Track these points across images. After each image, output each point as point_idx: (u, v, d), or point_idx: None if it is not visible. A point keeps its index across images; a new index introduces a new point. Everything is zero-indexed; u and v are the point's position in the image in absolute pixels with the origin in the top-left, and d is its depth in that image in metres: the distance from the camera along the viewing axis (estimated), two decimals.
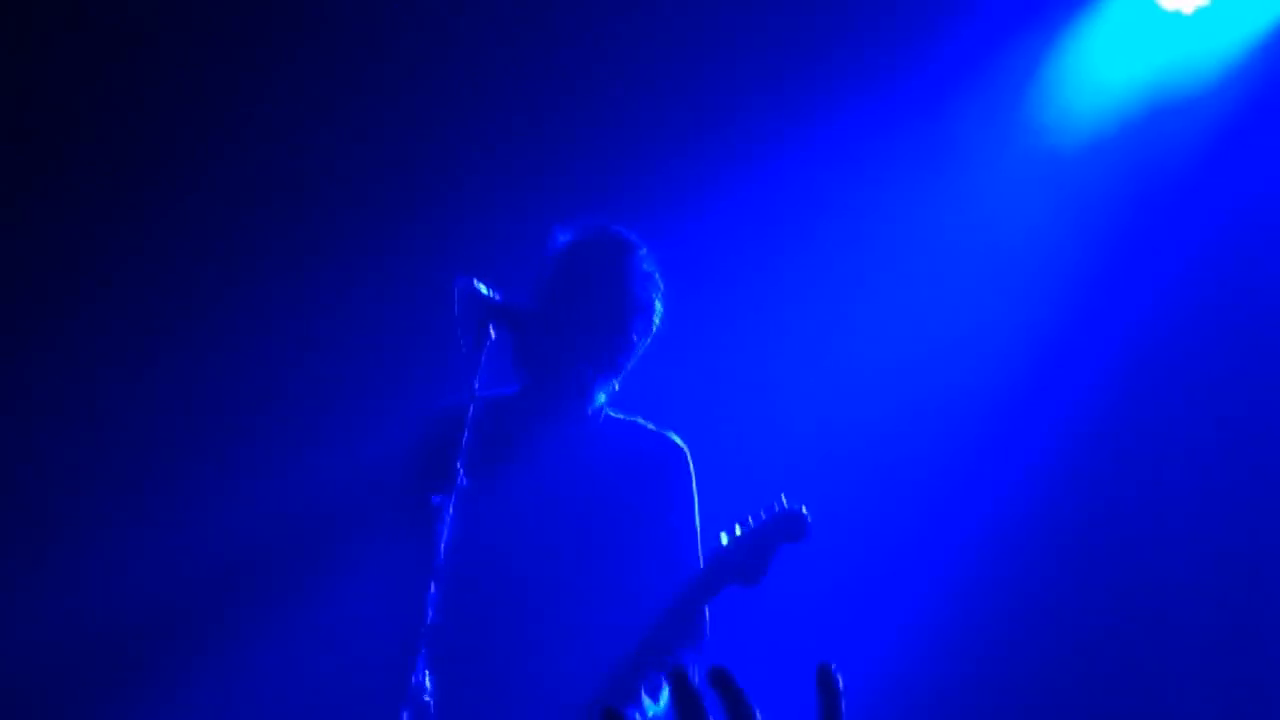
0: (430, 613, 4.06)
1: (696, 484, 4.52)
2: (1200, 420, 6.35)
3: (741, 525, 4.20)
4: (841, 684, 1.95)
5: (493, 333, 4.18)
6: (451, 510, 4.08)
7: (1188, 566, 6.35)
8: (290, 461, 6.08)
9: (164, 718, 5.95)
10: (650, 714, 4.30)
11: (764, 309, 6.26)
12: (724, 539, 4.21)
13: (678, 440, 4.53)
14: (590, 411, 4.46)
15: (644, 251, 4.46)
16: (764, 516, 4.19)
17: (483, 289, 4.19)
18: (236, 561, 6.00)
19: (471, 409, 4.12)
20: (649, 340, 4.48)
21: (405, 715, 4.06)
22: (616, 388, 4.49)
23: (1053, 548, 6.27)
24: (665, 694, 4.35)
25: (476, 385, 4.14)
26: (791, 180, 6.22)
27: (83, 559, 6.06)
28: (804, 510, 4.19)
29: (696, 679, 1.93)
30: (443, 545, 4.06)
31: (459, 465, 4.10)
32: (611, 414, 4.52)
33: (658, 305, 4.46)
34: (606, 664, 4.22)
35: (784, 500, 4.21)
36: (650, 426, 4.55)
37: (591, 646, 4.29)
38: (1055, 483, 6.30)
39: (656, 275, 4.47)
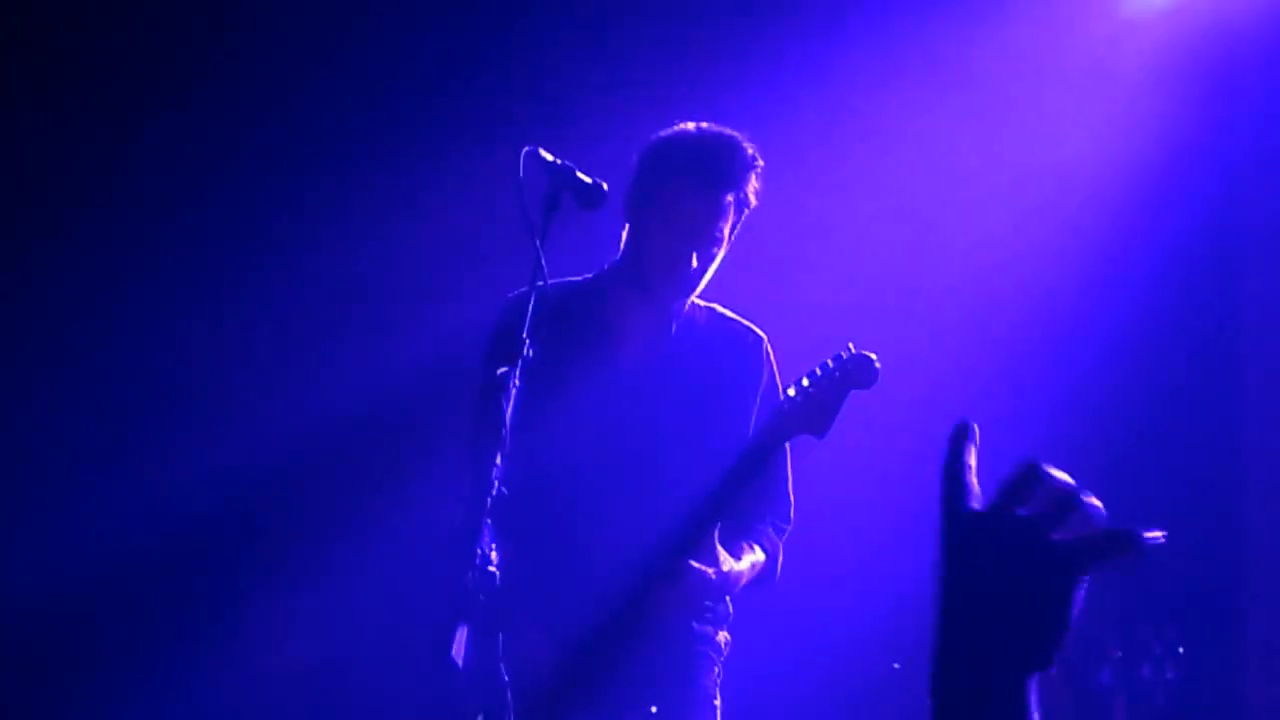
0: (496, 485, 4.03)
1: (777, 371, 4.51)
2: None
3: (809, 376, 4.17)
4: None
5: (560, 203, 4.15)
6: (517, 381, 4.04)
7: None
8: (375, 350, 6.14)
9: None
10: (727, 569, 4.30)
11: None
12: (791, 391, 4.19)
13: (759, 331, 4.54)
14: (679, 299, 4.45)
15: (748, 145, 4.40)
16: (831, 365, 4.15)
17: (549, 156, 4.15)
18: (320, 447, 6.07)
19: (537, 280, 4.09)
20: (736, 228, 4.43)
21: (471, 584, 4.05)
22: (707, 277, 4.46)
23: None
24: (746, 554, 4.36)
25: (543, 257, 4.10)
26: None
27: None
28: (873, 356, 4.14)
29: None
30: (508, 417, 4.04)
31: (525, 336, 4.06)
32: (697, 302, 4.51)
33: (753, 200, 4.41)
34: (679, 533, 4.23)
35: (851, 348, 4.17)
36: (732, 316, 4.54)
37: (664, 520, 4.28)
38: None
39: (754, 172, 4.39)
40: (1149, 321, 6.44)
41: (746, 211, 4.40)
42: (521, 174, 4.11)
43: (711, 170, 4.33)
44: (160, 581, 6.06)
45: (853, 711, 6.31)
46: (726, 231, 4.37)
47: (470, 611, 4.04)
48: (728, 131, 4.42)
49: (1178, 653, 6.09)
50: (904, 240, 6.33)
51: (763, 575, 4.45)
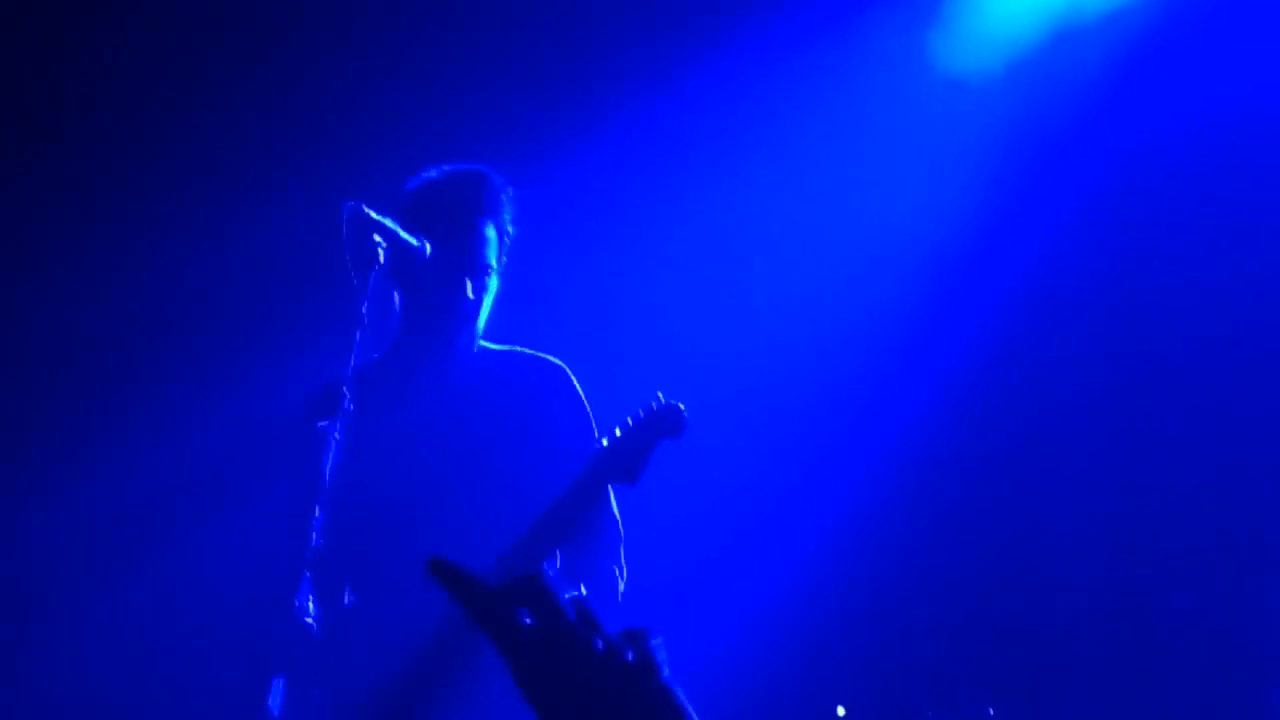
0: (315, 537, 4.05)
1: (587, 402, 4.55)
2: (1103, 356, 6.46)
3: (620, 426, 4.23)
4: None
5: (382, 256, 4.19)
6: (338, 435, 4.08)
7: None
8: (186, 399, 6.12)
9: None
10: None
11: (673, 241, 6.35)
12: (605, 441, 4.24)
13: (557, 361, 4.57)
14: (469, 342, 4.50)
15: (494, 176, 4.52)
16: (641, 414, 4.22)
17: (371, 212, 4.20)
18: (134, 498, 6.03)
19: (359, 334, 4.13)
20: (503, 263, 4.52)
21: (288, 637, 4.07)
22: (482, 321, 4.52)
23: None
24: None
25: (365, 310, 4.14)
26: (691, 114, 6.28)
27: None
28: (680, 406, 4.22)
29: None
30: (328, 470, 4.06)
31: (345, 390, 4.10)
32: (488, 345, 4.56)
33: (509, 228, 4.52)
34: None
35: (660, 397, 4.25)
36: (527, 351, 4.59)
37: (478, 565, 4.30)
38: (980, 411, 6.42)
39: (505, 198, 4.52)
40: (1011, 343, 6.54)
41: (507, 239, 4.51)
42: (344, 229, 4.15)
43: (468, 201, 4.45)
44: None
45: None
46: (493, 260, 4.47)
47: (286, 663, 4.06)
48: (474, 166, 4.56)
49: (988, 715, 6.22)
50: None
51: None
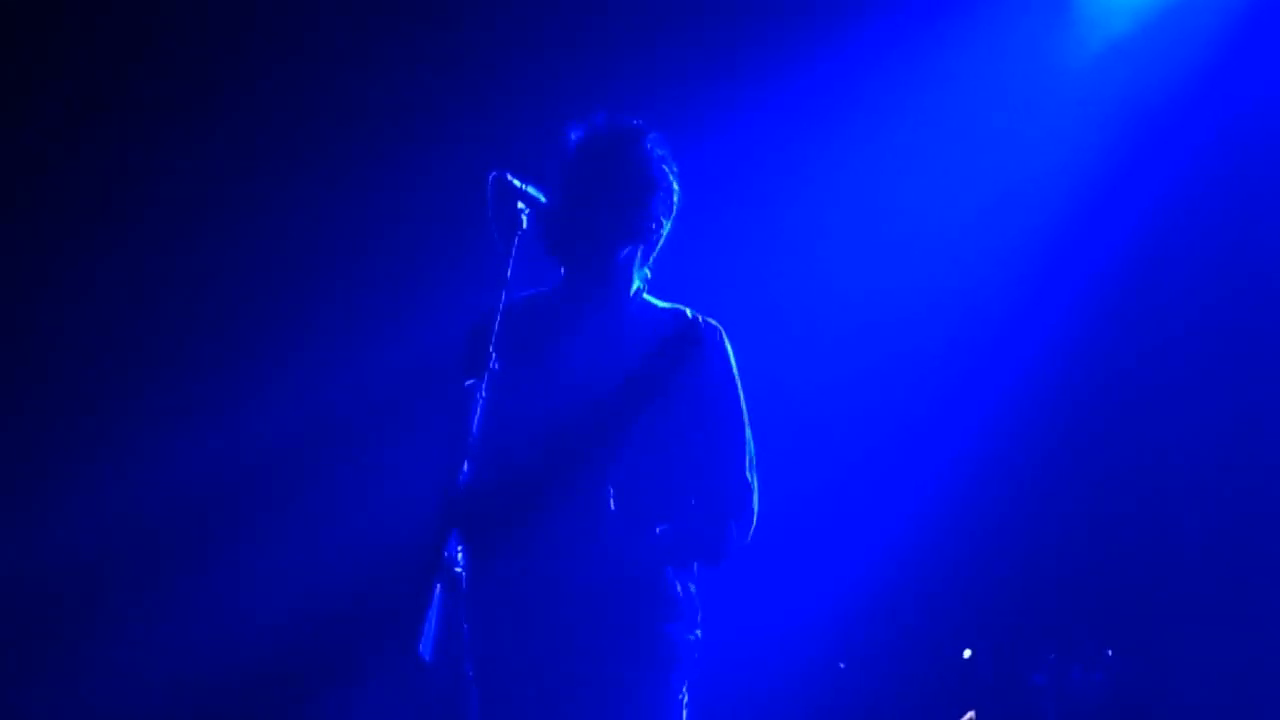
0: (463, 490, 4.23)
1: (737, 367, 4.65)
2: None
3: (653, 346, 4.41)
4: None
5: (525, 222, 4.36)
6: (484, 392, 4.25)
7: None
8: (346, 357, 6.33)
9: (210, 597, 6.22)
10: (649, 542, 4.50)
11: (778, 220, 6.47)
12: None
13: (713, 322, 4.65)
14: (626, 296, 4.64)
15: (653, 135, 4.63)
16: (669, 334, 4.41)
17: (515, 181, 4.37)
18: (295, 444, 6.25)
19: (504, 295, 4.30)
20: (671, 220, 4.65)
21: (438, 587, 4.24)
22: (649, 274, 4.67)
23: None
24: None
25: (510, 273, 4.31)
26: (806, 89, 6.39)
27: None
28: (711, 321, 4.45)
29: None
30: (475, 425, 4.24)
31: (491, 349, 4.27)
32: (648, 299, 4.69)
33: (674, 184, 4.63)
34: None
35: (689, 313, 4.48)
36: (687, 311, 4.66)
37: (624, 517, 4.47)
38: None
39: (669, 157, 4.63)
40: (1085, 326, 6.64)
41: (672, 196, 4.63)
42: (489, 197, 4.33)
43: (629, 161, 4.56)
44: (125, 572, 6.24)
45: (818, 706, 6.52)
46: (651, 219, 4.60)
47: (438, 609, 4.24)
48: (634, 123, 4.65)
49: (1106, 655, 6.33)
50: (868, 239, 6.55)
51: (695, 548, 4.60)
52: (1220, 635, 6.54)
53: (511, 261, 4.32)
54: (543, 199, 4.43)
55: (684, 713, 4.57)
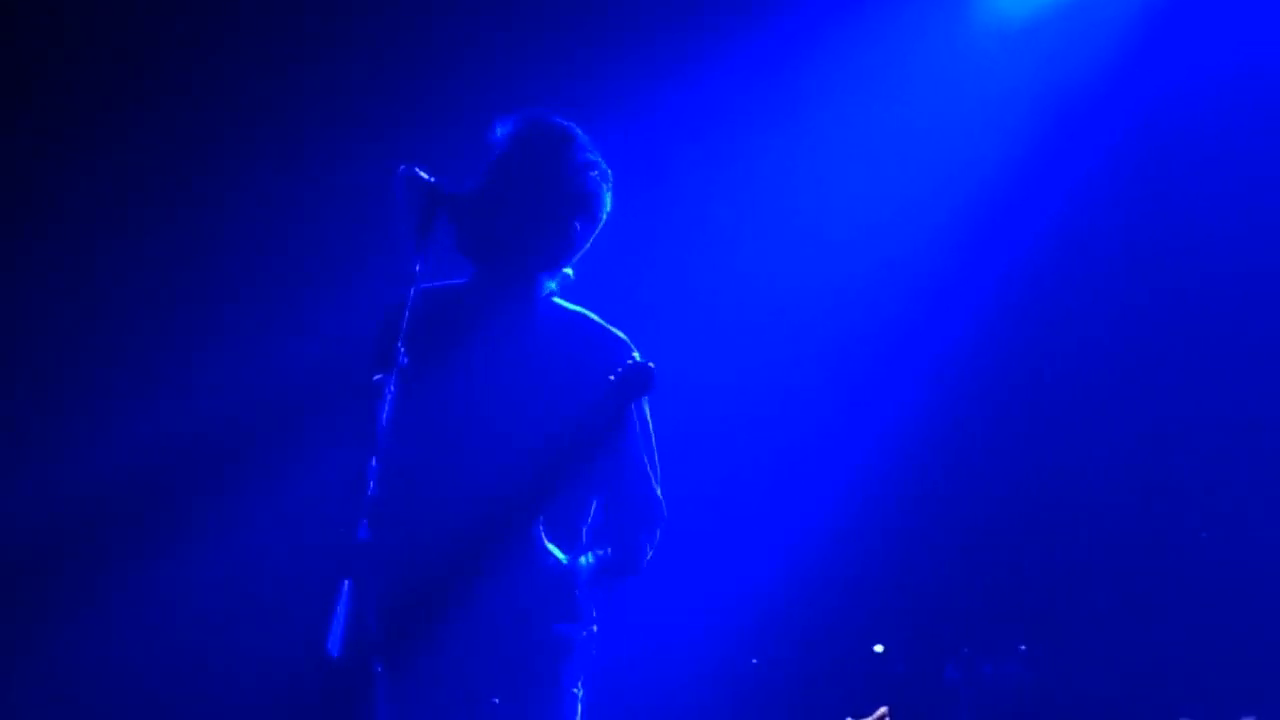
0: (371, 484, 4.23)
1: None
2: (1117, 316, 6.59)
3: (597, 388, 4.41)
4: None
5: (434, 217, 4.36)
6: (392, 388, 4.25)
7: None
8: (248, 352, 6.30)
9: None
10: (565, 563, 4.51)
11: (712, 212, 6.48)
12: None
13: (623, 335, 4.68)
14: (536, 298, 4.64)
15: (584, 140, 4.62)
16: (613, 377, 4.39)
17: (424, 175, 4.37)
18: (196, 447, 6.22)
19: (413, 292, 4.30)
20: (596, 229, 4.65)
21: (346, 584, 4.24)
22: (569, 275, 4.67)
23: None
24: (587, 556, 4.59)
25: (419, 269, 4.31)
26: (734, 76, 6.41)
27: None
28: (649, 364, 4.40)
29: None
30: (383, 421, 4.23)
31: (399, 345, 4.26)
32: (560, 303, 4.70)
33: (604, 195, 4.63)
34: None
35: (635, 356, 4.44)
36: (597, 319, 4.70)
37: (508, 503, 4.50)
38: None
39: (601, 164, 4.63)
40: (996, 323, 6.68)
41: (601, 213, 4.63)
42: (396, 192, 4.33)
43: (544, 158, 4.57)
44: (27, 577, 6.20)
45: (732, 702, 6.55)
46: (574, 235, 4.60)
47: (346, 605, 4.24)
48: (566, 126, 4.65)
49: (1019, 649, 6.39)
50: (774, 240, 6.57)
51: (615, 568, 4.65)
52: (1127, 629, 6.61)
53: (420, 257, 4.32)
54: (451, 194, 4.43)
55: (579, 708, 4.59)
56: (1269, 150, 6.50)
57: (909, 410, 6.67)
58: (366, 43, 6.57)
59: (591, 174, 4.62)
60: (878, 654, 6.36)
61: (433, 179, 4.38)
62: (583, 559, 4.56)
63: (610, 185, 4.66)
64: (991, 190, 6.59)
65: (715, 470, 6.34)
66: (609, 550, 4.64)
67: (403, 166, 4.36)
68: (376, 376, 4.29)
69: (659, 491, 4.70)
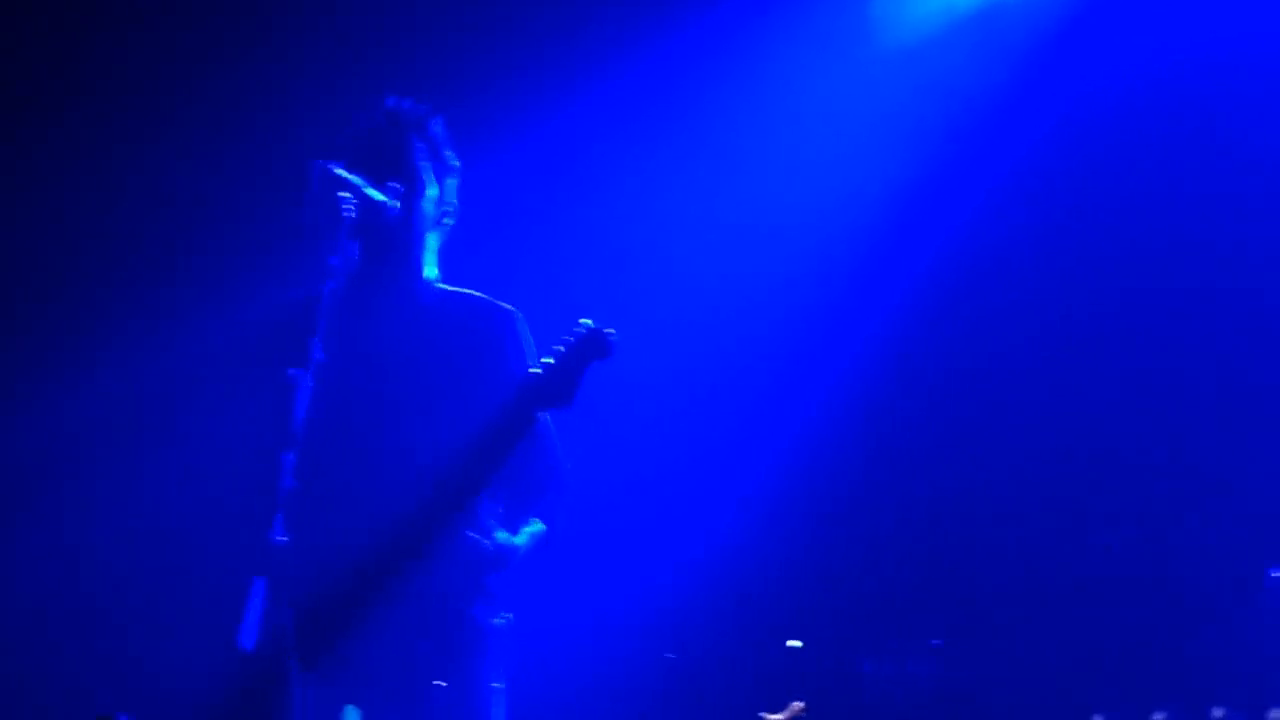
0: (287, 479, 4.23)
1: (534, 347, 4.73)
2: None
3: (551, 352, 4.44)
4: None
5: (349, 212, 4.37)
6: (310, 384, 4.26)
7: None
8: (148, 340, 6.28)
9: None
10: (501, 540, 4.54)
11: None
12: (535, 368, 4.45)
13: (509, 306, 4.78)
14: (420, 282, 4.71)
15: (440, 118, 4.69)
16: (570, 340, 4.42)
17: (340, 171, 4.38)
18: (101, 432, 6.20)
19: (329, 286, 4.31)
20: (453, 204, 4.75)
21: (260, 579, 4.24)
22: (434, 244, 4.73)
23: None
24: (525, 531, 4.62)
25: (335, 262, 4.32)
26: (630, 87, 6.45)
27: None
28: (608, 330, 4.44)
29: None
30: (299, 416, 4.24)
31: (316, 341, 4.27)
32: (442, 286, 4.76)
33: (452, 163, 4.76)
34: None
35: (589, 322, 4.46)
36: (481, 295, 4.78)
37: (407, 492, 4.52)
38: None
39: (439, 133, 4.76)
40: (918, 324, 6.74)
41: (453, 176, 4.75)
42: (313, 187, 4.34)
43: (411, 145, 4.70)
44: None
45: (647, 696, 6.57)
46: (444, 198, 4.72)
47: (260, 599, 4.24)
48: (405, 106, 4.78)
49: (934, 645, 6.45)
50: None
51: (539, 546, 4.68)
52: (1043, 626, 6.67)
53: (336, 251, 4.33)
54: (369, 189, 4.45)
55: (498, 699, 4.61)
56: (1177, 148, 6.59)
57: (828, 409, 6.71)
58: (248, 38, 6.56)
59: (449, 150, 4.77)
60: (794, 649, 6.40)
61: (348, 174, 4.39)
62: (509, 536, 4.58)
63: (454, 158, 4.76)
64: (915, 185, 6.64)
65: (635, 463, 6.37)
66: (530, 522, 4.70)
67: (319, 162, 4.38)
68: (292, 371, 4.31)
69: (561, 454, 4.77)
